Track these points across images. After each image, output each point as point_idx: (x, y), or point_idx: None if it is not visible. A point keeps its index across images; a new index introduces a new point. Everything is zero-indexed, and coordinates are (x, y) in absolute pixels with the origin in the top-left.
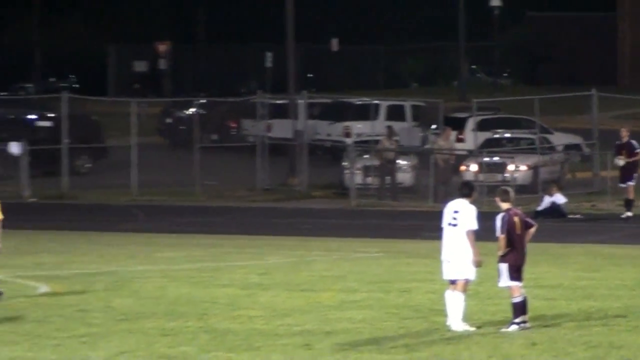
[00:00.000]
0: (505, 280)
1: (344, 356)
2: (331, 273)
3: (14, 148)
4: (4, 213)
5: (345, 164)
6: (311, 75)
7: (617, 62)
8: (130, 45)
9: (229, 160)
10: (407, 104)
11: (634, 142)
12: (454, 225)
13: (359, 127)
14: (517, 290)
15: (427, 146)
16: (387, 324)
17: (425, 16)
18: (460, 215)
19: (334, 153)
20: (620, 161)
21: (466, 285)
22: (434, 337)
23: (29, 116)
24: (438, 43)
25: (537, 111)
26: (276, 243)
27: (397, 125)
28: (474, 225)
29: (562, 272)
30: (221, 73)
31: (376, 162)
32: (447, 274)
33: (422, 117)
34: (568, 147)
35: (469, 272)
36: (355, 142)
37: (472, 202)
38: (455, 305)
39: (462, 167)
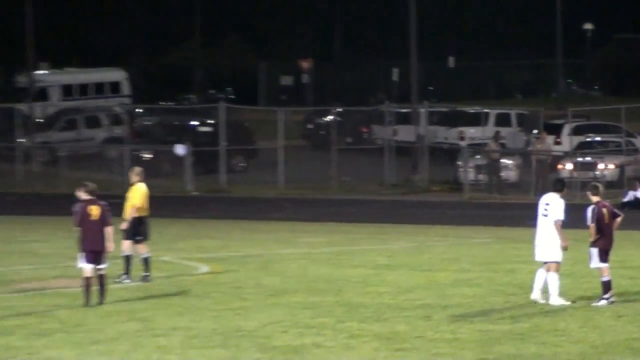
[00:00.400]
0: (595, 262)
1: (458, 326)
2: (447, 256)
3: (180, 149)
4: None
5: (459, 163)
6: (431, 87)
7: None
8: (278, 62)
9: (361, 160)
10: (513, 112)
11: None
12: (545, 215)
13: (472, 132)
14: (605, 270)
15: (529, 148)
16: (495, 299)
17: (528, 37)
18: (550, 207)
19: (450, 154)
20: None
21: (557, 266)
22: (535, 310)
23: (192, 122)
24: (539, 60)
25: (623, 118)
26: (401, 230)
27: (504, 131)
28: (561, 216)
29: None
30: (355, 86)
31: (485, 162)
32: (538, 255)
33: (525, 123)
34: None
35: (556, 255)
36: (468, 145)
37: (562, 197)
38: (552, 283)
39: (559, 166)
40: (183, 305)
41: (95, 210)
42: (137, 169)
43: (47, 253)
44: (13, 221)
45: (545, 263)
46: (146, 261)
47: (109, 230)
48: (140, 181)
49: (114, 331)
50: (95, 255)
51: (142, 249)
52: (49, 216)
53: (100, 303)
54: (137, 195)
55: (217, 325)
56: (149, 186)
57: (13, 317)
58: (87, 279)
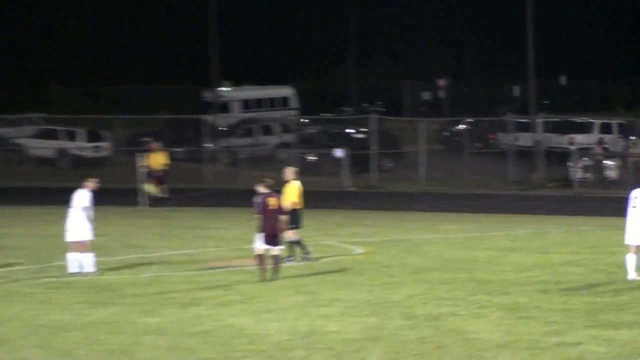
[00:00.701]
0: None
1: (569, 298)
2: (560, 240)
3: (338, 153)
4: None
5: (570, 164)
6: (546, 101)
7: None
8: (419, 80)
9: (488, 161)
10: (614, 122)
11: None
12: (634, 207)
13: (580, 138)
14: None
15: (627, 151)
16: (599, 276)
17: (627, 59)
18: (638, 200)
19: (562, 156)
20: None
21: None
22: (633, 286)
23: (348, 130)
24: (636, 78)
25: None
26: (521, 219)
27: (607, 137)
28: None
29: None
30: (482, 100)
31: (591, 163)
32: (628, 240)
33: (624, 131)
34: None
35: None
36: (577, 149)
37: None
38: None
39: None
40: (342, 280)
41: (273, 201)
42: (292, 169)
43: (229, 237)
44: (201, 212)
45: (637, 246)
46: (299, 243)
47: (283, 218)
48: (295, 179)
49: (284, 302)
50: (273, 238)
51: (292, 235)
52: (230, 207)
53: (274, 279)
54: (292, 191)
55: (370, 297)
56: (313, 183)
57: (202, 290)
58: (260, 256)
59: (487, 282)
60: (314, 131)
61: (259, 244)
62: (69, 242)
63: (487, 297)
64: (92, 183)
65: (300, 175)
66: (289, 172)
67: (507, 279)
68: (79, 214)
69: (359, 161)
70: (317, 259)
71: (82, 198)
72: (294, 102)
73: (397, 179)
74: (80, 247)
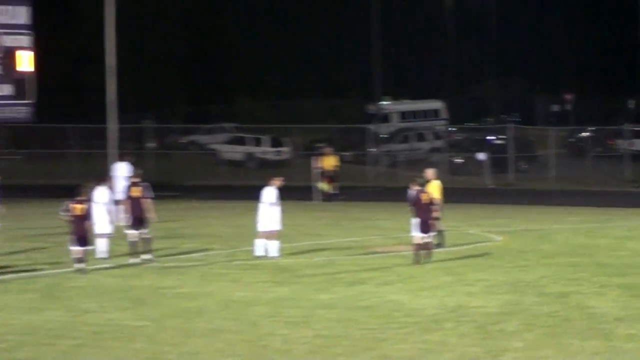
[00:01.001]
0: None
1: None
2: None
3: (481, 156)
4: (446, 196)
5: None
6: None
7: None
8: (548, 95)
9: (608, 163)
10: None
11: None
12: None
13: None
14: None
15: None
16: None
17: None
18: None
19: None
20: None
21: None
22: None
23: (489, 137)
24: None
25: None
26: (636, 212)
27: None
28: None
29: None
30: (603, 111)
31: None
32: None
33: None
34: None
35: None
36: None
37: None
38: None
39: None
40: (484, 263)
41: (425, 196)
42: (432, 169)
43: (389, 227)
44: (365, 205)
45: None
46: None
47: (436, 209)
48: (435, 178)
49: (435, 282)
50: (425, 227)
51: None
52: (390, 202)
53: (426, 262)
54: (434, 188)
55: (507, 277)
56: (460, 182)
57: (366, 272)
58: (417, 244)
59: (607, 265)
60: (460, 138)
61: (416, 233)
62: (260, 232)
63: (607, 278)
64: (278, 181)
65: (448, 175)
66: (430, 172)
67: (624, 263)
68: (268, 208)
69: (499, 163)
70: (454, 245)
71: (269, 194)
72: (443, 114)
73: (530, 178)
74: (269, 235)
